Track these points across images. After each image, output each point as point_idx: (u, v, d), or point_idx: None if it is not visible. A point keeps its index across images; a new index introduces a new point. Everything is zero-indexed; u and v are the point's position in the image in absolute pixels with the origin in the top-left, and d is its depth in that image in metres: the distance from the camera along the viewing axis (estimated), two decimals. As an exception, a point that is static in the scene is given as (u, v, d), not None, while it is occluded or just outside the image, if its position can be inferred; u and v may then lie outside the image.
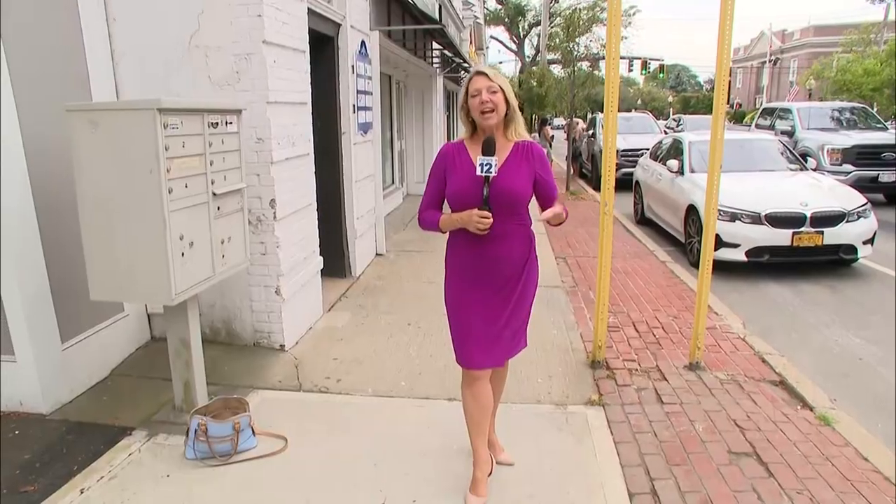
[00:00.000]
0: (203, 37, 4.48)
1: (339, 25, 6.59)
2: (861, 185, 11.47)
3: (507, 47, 39.78)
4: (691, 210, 7.84)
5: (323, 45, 6.44)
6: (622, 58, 33.62)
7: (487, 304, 2.89)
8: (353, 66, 6.91)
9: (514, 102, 2.85)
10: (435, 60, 13.67)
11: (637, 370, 4.63)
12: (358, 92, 7.18)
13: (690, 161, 8.62)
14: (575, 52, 17.57)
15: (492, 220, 2.71)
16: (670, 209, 8.77)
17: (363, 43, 7.41)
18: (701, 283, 4.61)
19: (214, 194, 3.63)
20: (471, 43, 25.75)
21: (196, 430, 3.35)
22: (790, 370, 4.69)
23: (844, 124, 14.40)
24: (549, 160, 4.03)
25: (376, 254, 8.13)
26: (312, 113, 5.65)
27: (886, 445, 3.74)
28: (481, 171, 2.71)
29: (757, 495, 3.15)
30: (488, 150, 2.73)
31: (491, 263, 2.86)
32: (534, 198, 2.95)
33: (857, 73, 33.89)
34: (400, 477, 3.25)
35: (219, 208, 3.71)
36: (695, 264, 7.73)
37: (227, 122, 3.80)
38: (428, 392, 4.22)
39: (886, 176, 12.49)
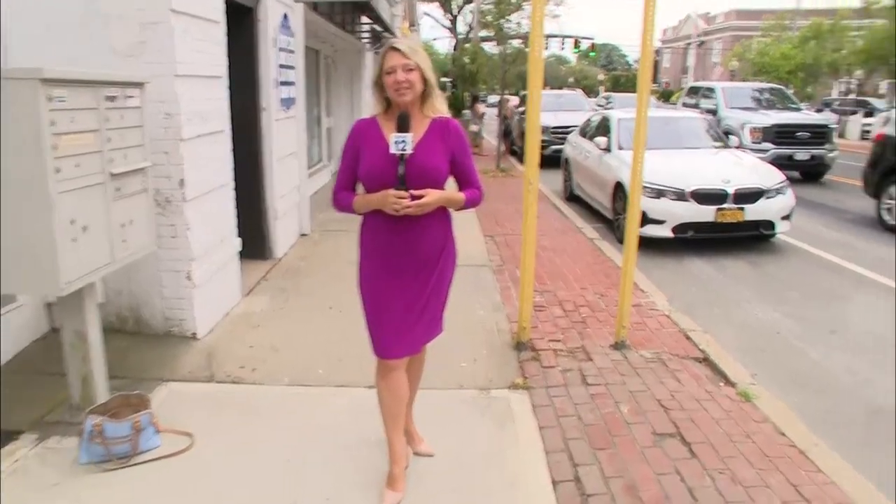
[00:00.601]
0: (104, 2, 4.10)
1: (258, -5, 6.22)
2: (779, 163, 11.82)
3: (441, 24, 39.33)
4: (619, 187, 7.85)
5: (241, 17, 6.07)
6: (554, 36, 33.78)
7: (404, 289, 2.72)
8: (274, 40, 6.56)
9: (433, 78, 2.67)
10: (364, 35, 13.29)
11: (562, 351, 4.56)
12: (280, 66, 6.84)
13: (618, 138, 8.63)
14: (505, 30, 17.49)
15: (408, 199, 2.53)
16: (598, 186, 8.78)
17: (286, 15, 7.05)
18: (626, 262, 4.56)
19: (112, 174, 3.32)
20: (404, 18, 25.32)
21: (91, 432, 3.07)
22: (713, 346, 4.71)
23: (764, 104, 14.84)
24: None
25: (300, 234, 7.84)
26: (230, 88, 5.31)
27: (802, 419, 3.79)
28: (396, 149, 2.53)
29: (680, 477, 3.11)
30: (403, 126, 2.55)
31: (408, 246, 2.69)
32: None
33: (774, 56, 35.26)
34: (314, 473, 3.06)
35: (118, 189, 3.40)
36: (622, 241, 7.73)
37: (126, 96, 3.48)
38: (348, 379, 4.03)
39: (801, 154, 12.95)
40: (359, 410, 3.56)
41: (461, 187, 2.81)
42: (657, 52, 78.29)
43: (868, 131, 24.55)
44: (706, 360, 4.50)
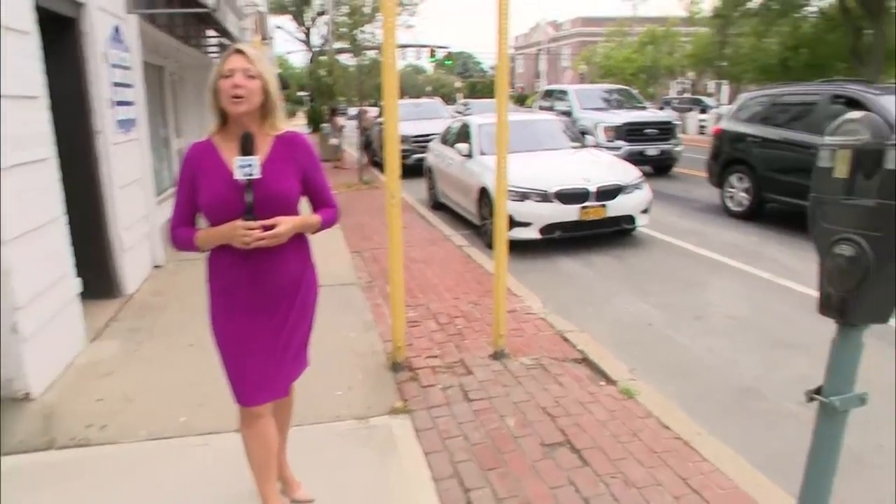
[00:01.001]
0: None
1: (80, 5, 5.60)
2: (632, 159, 12.39)
3: (294, 37, 38.42)
4: (483, 192, 7.84)
5: (62, 29, 5.43)
6: (409, 46, 34.02)
7: (262, 329, 2.42)
8: (105, 55, 5.94)
9: (276, 93, 2.38)
10: (212, 50, 12.58)
11: (441, 367, 4.38)
12: (115, 85, 6.21)
13: (480, 143, 8.64)
14: (360, 41, 17.31)
15: (259, 230, 2.24)
16: (463, 193, 8.75)
17: (117, 28, 6.42)
18: (498, 268, 4.46)
19: None
20: (255, 31, 24.45)
21: None
22: (590, 345, 4.71)
23: (613, 104, 15.58)
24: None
25: (154, 266, 7.20)
26: (55, 110, 4.71)
27: (682, 408, 3.84)
28: (241, 175, 2.23)
29: (574, 488, 3.00)
30: (247, 147, 2.25)
31: (262, 281, 2.39)
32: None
33: (618, 59, 37.69)
34: (175, 541, 2.68)
35: None
36: (491, 246, 7.72)
37: None
38: (214, 424, 3.63)
39: (651, 150, 13.69)
40: (228, 459, 3.19)
41: (315, 207, 2.55)
42: (511, 58, 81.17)
43: (704, 126, 26.61)
44: (585, 361, 4.48)
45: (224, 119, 2.37)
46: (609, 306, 5.88)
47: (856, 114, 1.88)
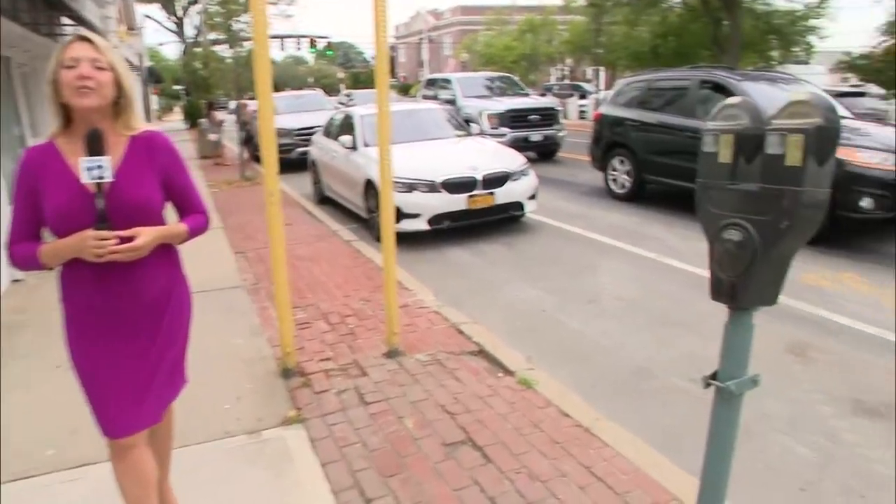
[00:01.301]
0: None
1: None
2: (517, 145, 12.55)
3: (165, 27, 36.10)
4: (370, 185, 7.64)
5: None
6: (289, 37, 33.10)
7: (127, 352, 2.15)
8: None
9: (130, 88, 2.11)
10: (68, 39, 11.59)
11: (335, 370, 4.18)
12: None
13: (363, 135, 8.41)
14: (235, 31, 16.57)
15: (114, 241, 1.98)
16: (349, 186, 8.51)
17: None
18: (386, 264, 4.32)
19: None
20: (119, 21, 22.92)
21: None
22: (486, 336, 4.65)
23: (496, 91, 15.72)
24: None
25: (12, 280, 6.53)
26: None
27: (580, 393, 3.85)
28: (89, 178, 1.95)
29: (479, 487, 2.90)
30: (94, 146, 1.97)
31: (123, 299, 2.11)
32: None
33: (499, 47, 38.31)
34: None
35: None
36: (380, 239, 7.57)
37: None
38: (87, 454, 3.24)
39: (535, 136, 13.92)
40: (104, 493, 2.88)
41: (181, 213, 2.30)
42: (392, 47, 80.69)
43: (584, 111, 27.51)
44: (482, 352, 4.41)
45: (68, 117, 2.08)
46: (502, 294, 5.86)
47: (735, 99, 1.88)
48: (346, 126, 9.07)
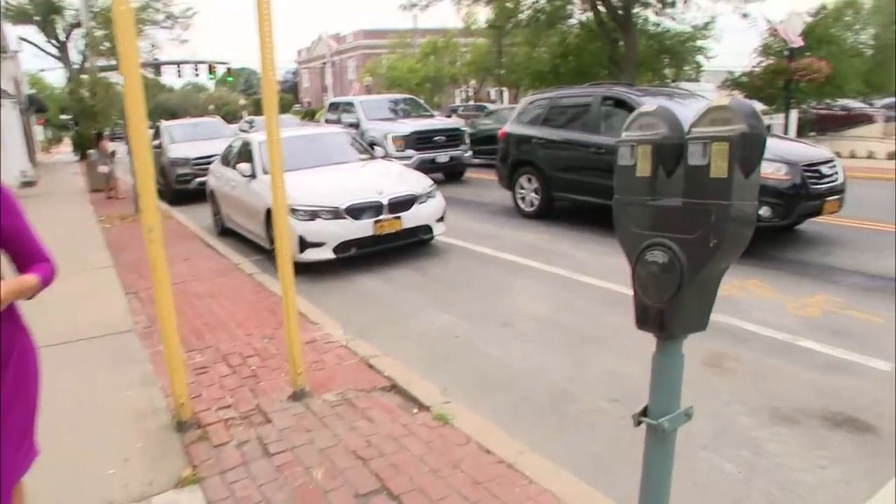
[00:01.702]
0: None
1: None
2: (424, 167, 12.44)
3: (46, 52, 33.61)
4: (270, 214, 7.21)
5: None
6: (185, 63, 31.95)
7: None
8: None
9: None
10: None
11: (235, 419, 3.81)
12: None
13: (262, 162, 8.01)
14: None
15: None
16: (249, 216, 8.06)
17: None
18: (286, 299, 3.98)
19: None
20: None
21: None
22: (398, 369, 4.38)
23: (401, 114, 15.59)
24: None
25: None
26: None
27: (500, 424, 3.64)
28: None
29: (393, 545, 2.64)
30: None
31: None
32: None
33: (403, 70, 38.43)
34: None
35: None
36: (287, 270, 7.21)
37: None
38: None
39: (441, 157, 13.83)
40: None
41: (22, 266, 1.95)
42: (295, 73, 79.74)
43: (490, 132, 27.81)
44: (395, 388, 4.15)
45: None
46: (414, 322, 5.61)
47: (650, 106, 1.72)
48: (245, 153, 8.63)
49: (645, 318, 1.74)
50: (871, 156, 16.42)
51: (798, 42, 18.28)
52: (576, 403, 4.00)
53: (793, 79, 18.84)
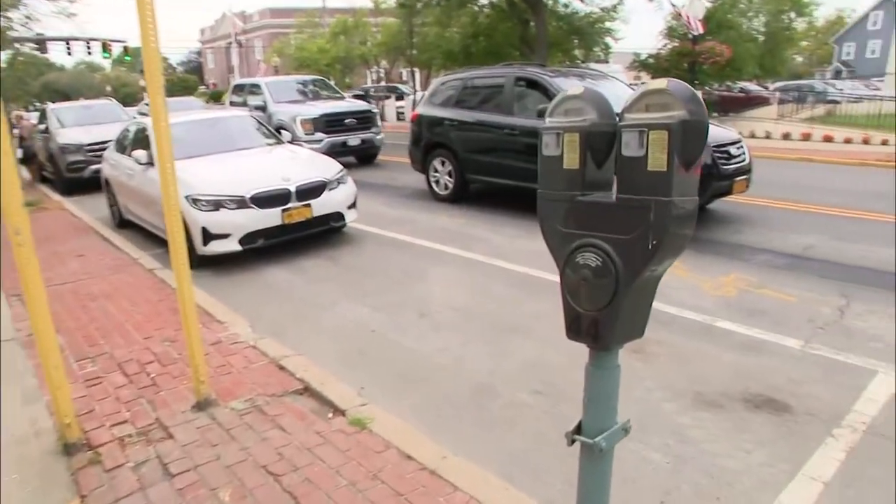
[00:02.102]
0: None
1: None
2: (335, 151, 12.06)
3: None
4: (172, 204, 6.75)
5: None
6: (76, 39, 29.86)
7: None
8: None
9: None
10: None
11: (132, 437, 3.46)
12: None
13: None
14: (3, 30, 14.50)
15: None
16: (149, 207, 7.50)
17: None
18: (183, 300, 3.64)
19: None
20: None
21: None
22: (311, 370, 4.13)
23: (310, 96, 15.06)
24: None
25: None
26: None
27: (420, 425, 3.47)
28: None
29: (307, 572, 2.41)
30: None
31: None
32: None
33: (312, 50, 37.34)
34: None
35: None
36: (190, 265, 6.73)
37: None
38: None
39: (353, 140, 13.45)
40: None
41: None
42: (199, 53, 76.45)
43: (402, 113, 27.52)
44: (308, 390, 3.90)
45: None
46: (327, 316, 5.33)
47: (577, 89, 1.53)
48: (141, 139, 8.02)
49: (577, 328, 1.56)
50: (768, 136, 17.16)
51: (699, 29, 18.84)
52: (498, 398, 3.87)
53: (697, 61, 19.42)
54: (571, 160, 1.47)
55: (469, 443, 3.36)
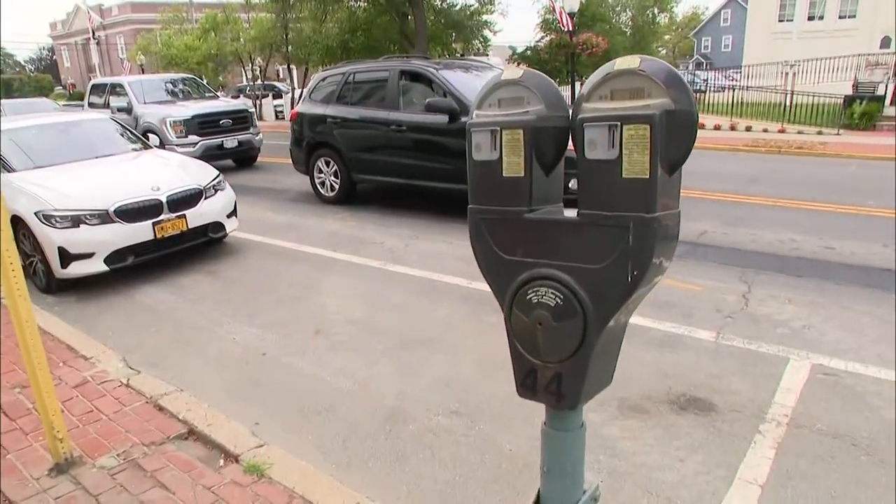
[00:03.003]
0: None
1: None
2: (210, 154, 11.28)
3: None
4: (17, 223, 5.87)
5: None
6: None
7: None
8: None
9: None
10: None
11: (-33, 517, 2.84)
12: None
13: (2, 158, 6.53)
14: None
15: None
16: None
17: None
18: (25, 345, 3.03)
19: None
20: None
21: None
22: (196, 408, 3.61)
23: (181, 96, 14.06)
24: None
25: None
26: None
27: (326, 464, 3.08)
28: None
29: None
30: None
31: None
32: None
33: (180, 47, 35.24)
34: None
35: None
36: (46, 290, 5.94)
37: None
38: None
39: (229, 142, 12.63)
40: None
41: None
42: (51, 49, 70.68)
43: (281, 111, 26.52)
44: (193, 434, 3.39)
45: None
46: (212, 341, 4.77)
47: (515, 71, 1.20)
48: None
49: (531, 385, 1.22)
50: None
51: (568, 24, 19.19)
52: (412, 423, 3.51)
53: (575, 53, 19.79)
54: (513, 166, 1.13)
55: (385, 481, 3.00)
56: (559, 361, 1.13)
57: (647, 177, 1.01)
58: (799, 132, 15.69)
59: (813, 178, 9.69)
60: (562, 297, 1.09)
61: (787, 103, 18.23)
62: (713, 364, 3.90)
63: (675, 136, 1.01)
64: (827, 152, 12.57)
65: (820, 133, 15.41)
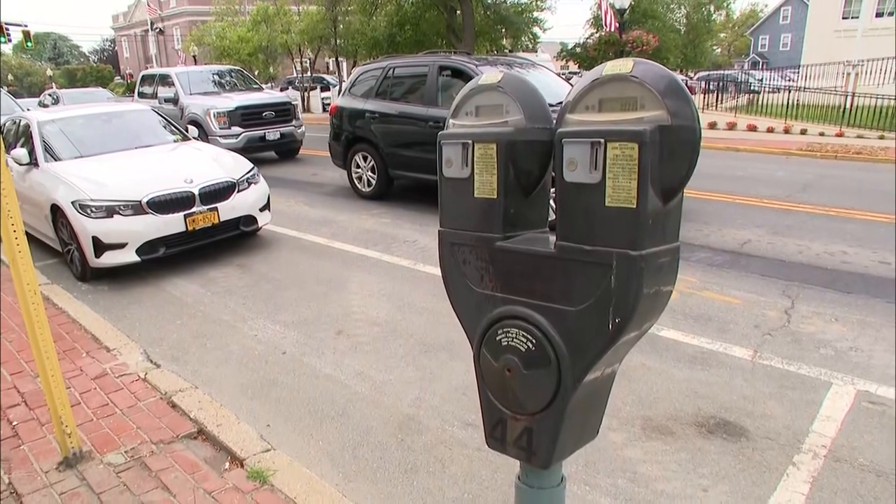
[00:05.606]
0: None
1: None
2: (252, 146, 11.35)
3: None
4: (57, 211, 5.95)
5: None
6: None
7: None
8: None
9: None
10: None
11: (-29, 510, 2.83)
12: None
13: (43, 147, 6.64)
14: None
15: None
16: (33, 212, 6.66)
17: None
18: (35, 343, 3.02)
19: None
20: None
21: None
22: (208, 408, 3.57)
23: (226, 87, 14.21)
24: None
25: None
26: None
27: (334, 471, 2.99)
28: None
29: None
30: None
31: None
32: None
33: (233, 39, 35.79)
34: None
35: None
36: (81, 278, 6.02)
37: None
38: None
39: (271, 134, 12.69)
40: None
41: None
42: (113, 41, 72.65)
43: (328, 103, 26.68)
44: (202, 434, 3.34)
45: None
46: (234, 336, 4.74)
47: (494, 75, 1.05)
48: (21, 137, 7.15)
49: (500, 437, 1.08)
50: (694, 124, 17.22)
51: (613, 24, 18.75)
52: (425, 433, 3.40)
53: (624, 50, 19.36)
54: (486, 185, 0.98)
55: (391, 495, 2.89)
56: (530, 414, 0.98)
57: (635, 206, 0.85)
58: (858, 136, 14.99)
59: (870, 186, 9.21)
60: (534, 341, 0.94)
61: (847, 105, 17.46)
62: (748, 385, 3.67)
63: (672, 156, 0.85)
64: (889, 158, 11.94)
65: (882, 137, 14.69)
